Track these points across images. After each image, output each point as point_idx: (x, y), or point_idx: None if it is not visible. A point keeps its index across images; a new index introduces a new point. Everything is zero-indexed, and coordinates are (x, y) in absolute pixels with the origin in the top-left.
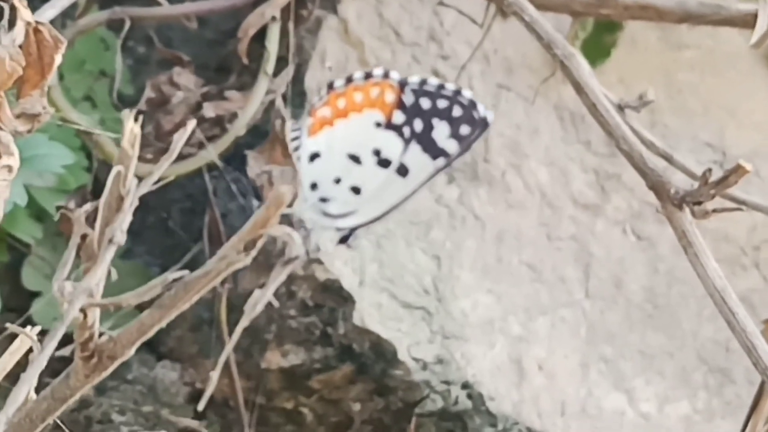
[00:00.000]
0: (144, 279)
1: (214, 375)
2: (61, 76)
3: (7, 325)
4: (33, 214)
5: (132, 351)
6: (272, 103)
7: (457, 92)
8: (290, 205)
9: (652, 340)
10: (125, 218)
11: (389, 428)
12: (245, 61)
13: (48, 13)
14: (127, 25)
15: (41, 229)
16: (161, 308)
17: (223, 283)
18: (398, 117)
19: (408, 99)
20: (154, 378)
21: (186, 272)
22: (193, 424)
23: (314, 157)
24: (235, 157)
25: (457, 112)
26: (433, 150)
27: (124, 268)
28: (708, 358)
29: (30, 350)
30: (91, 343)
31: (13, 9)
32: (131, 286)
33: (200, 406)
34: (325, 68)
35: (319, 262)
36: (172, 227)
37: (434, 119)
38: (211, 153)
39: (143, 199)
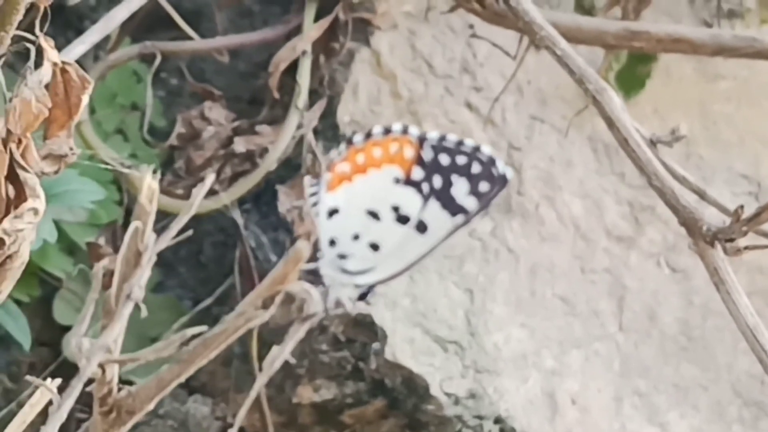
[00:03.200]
0: (176, 312)
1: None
2: (92, 110)
3: (27, 378)
4: (64, 248)
5: (151, 406)
6: (304, 137)
7: (476, 149)
8: (309, 261)
9: (687, 373)
10: (143, 274)
11: None
12: (276, 96)
13: (77, 49)
14: (158, 59)
15: (72, 263)
16: (180, 363)
17: None
18: (417, 173)
19: (427, 155)
20: (185, 413)
21: (204, 328)
22: None
23: (333, 212)
24: (266, 192)
25: (476, 168)
26: (452, 207)
27: (156, 302)
28: (743, 391)
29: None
30: (110, 399)
31: (40, 49)
32: (163, 319)
33: None
34: (358, 101)
35: None
36: (204, 261)
37: (453, 175)
38: (224, 198)
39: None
